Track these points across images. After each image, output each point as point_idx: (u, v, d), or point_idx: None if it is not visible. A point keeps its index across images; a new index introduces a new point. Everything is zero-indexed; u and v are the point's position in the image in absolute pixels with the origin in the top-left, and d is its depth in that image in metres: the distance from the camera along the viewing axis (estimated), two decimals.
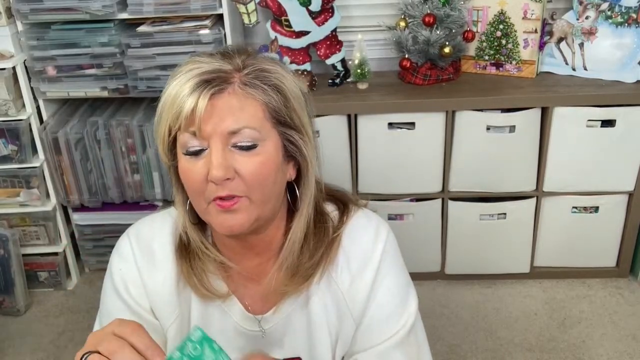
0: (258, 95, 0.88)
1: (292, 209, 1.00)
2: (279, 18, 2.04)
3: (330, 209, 1.04)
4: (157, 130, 0.92)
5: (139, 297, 1.01)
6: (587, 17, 2.04)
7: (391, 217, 2.16)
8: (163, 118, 0.89)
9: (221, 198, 0.87)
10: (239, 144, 0.87)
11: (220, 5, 2.00)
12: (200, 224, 1.00)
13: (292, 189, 0.99)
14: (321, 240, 0.99)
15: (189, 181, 0.89)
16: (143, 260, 1.01)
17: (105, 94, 2.10)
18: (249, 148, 0.87)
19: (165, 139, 0.91)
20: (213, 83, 0.86)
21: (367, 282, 1.00)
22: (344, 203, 1.05)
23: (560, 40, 2.10)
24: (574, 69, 2.10)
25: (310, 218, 0.98)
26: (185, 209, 0.97)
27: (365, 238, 1.02)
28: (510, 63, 2.12)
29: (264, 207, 0.91)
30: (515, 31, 2.07)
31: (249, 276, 1.02)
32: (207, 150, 0.87)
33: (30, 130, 2.12)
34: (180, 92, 0.86)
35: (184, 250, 1.01)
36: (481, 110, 1.99)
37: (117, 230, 2.27)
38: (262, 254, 1.00)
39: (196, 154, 0.88)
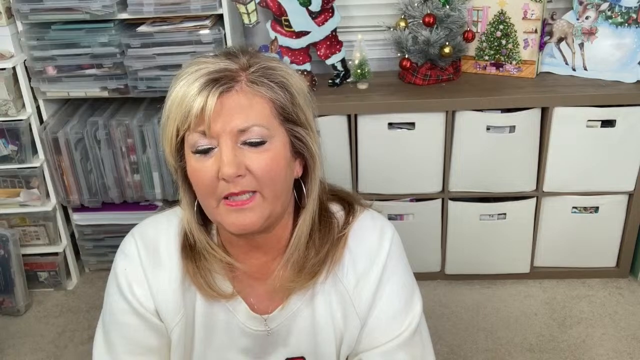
0: (265, 92, 0.89)
1: (297, 207, 1.01)
2: (279, 18, 2.04)
3: (336, 209, 1.04)
4: (164, 132, 0.92)
5: (144, 298, 1.00)
6: (587, 17, 2.04)
7: (391, 217, 2.15)
8: (170, 119, 0.90)
9: (234, 194, 0.88)
10: (248, 141, 0.88)
11: (220, 5, 2.00)
12: (205, 225, 1.00)
13: (297, 186, 0.99)
14: (326, 237, 1.00)
15: (199, 180, 0.90)
16: (148, 260, 1.01)
17: (105, 94, 2.10)
18: (258, 144, 0.88)
19: (172, 140, 0.91)
20: (221, 82, 0.87)
21: (373, 283, 1.00)
22: (350, 203, 1.06)
23: (560, 40, 2.10)
24: (574, 69, 2.10)
25: (315, 214, 0.99)
26: (192, 210, 0.97)
27: (370, 238, 1.02)
28: (510, 63, 2.12)
29: (275, 203, 0.92)
30: (515, 31, 2.07)
31: (254, 275, 1.02)
32: (216, 149, 0.88)
33: (30, 130, 2.12)
34: (188, 92, 0.87)
35: (190, 250, 1.01)
36: (481, 110, 1.99)
37: (117, 230, 2.27)
38: (269, 253, 1.01)
39: (205, 152, 0.88)
